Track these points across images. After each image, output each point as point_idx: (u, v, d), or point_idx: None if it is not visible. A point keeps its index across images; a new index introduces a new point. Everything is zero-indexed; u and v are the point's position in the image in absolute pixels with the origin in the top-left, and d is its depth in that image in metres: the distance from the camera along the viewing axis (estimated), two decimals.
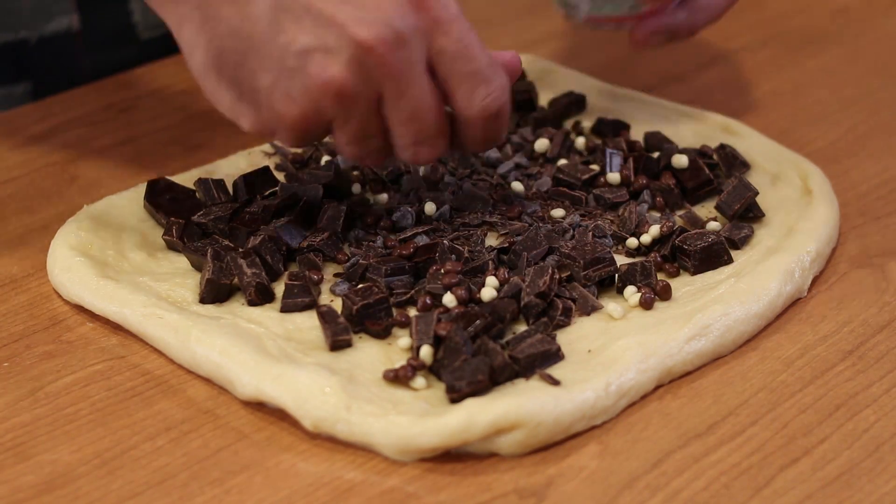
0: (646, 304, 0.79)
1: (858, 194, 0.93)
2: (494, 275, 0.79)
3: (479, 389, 0.71)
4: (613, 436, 0.72)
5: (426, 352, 0.74)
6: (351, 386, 0.72)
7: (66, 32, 1.07)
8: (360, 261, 0.81)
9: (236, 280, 0.80)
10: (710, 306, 0.78)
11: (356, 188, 0.88)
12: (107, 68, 1.09)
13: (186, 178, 0.89)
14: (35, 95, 1.07)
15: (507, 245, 0.82)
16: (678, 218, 0.87)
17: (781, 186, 0.90)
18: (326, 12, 0.74)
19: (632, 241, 0.84)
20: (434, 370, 0.74)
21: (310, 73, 0.74)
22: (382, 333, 0.77)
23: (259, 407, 0.74)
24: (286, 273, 0.80)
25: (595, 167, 0.90)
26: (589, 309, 0.79)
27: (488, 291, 0.77)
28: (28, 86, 1.08)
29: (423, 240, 0.83)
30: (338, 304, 0.79)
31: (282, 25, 0.74)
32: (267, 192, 0.86)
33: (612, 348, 0.75)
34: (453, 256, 0.81)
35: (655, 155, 0.90)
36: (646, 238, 0.84)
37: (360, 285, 0.79)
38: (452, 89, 0.77)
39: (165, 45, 1.10)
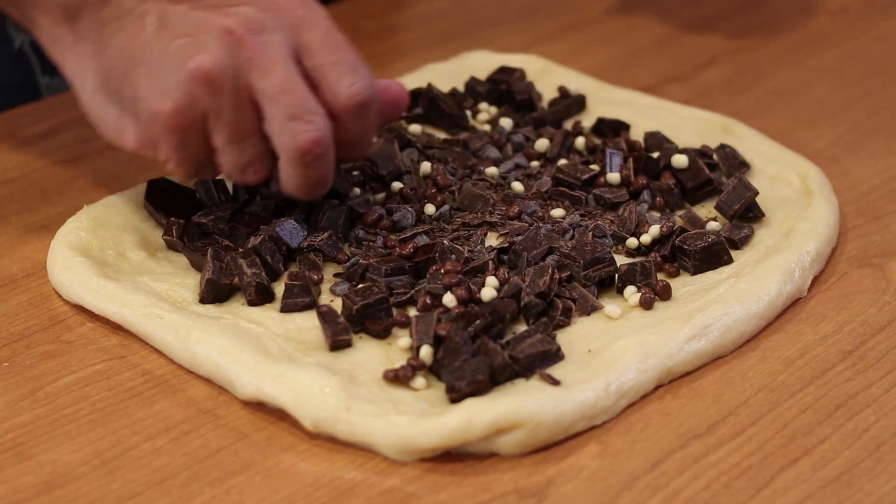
0: (646, 304, 0.79)
1: (858, 194, 0.93)
2: (494, 275, 0.79)
3: (479, 389, 0.71)
4: (613, 436, 0.72)
5: (426, 352, 0.74)
6: (351, 386, 0.72)
7: None
8: (360, 261, 0.81)
9: (236, 280, 0.80)
10: (710, 306, 0.78)
11: (356, 188, 0.88)
12: None
13: None
14: None
15: (507, 245, 0.82)
16: (678, 218, 0.87)
17: (781, 186, 0.90)
18: (200, 14, 0.78)
19: (632, 241, 0.84)
20: (434, 370, 0.74)
21: (180, 64, 0.76)
22: (382, 333, 0.77)
23: (259, 407, 0.74)
24: (286, 273, 0.80)
25: (595, 167, 0.90)
26: (589, 309, 0.79)
27: (488, 291, 0.77)
28: None
29: (423, 240, 0.83)
30: (338, 304, 0.79)
31: (162, 34, 0.78)
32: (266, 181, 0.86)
33: (612, 348, 0.75)
34: (453, 256, 0.81)
35: (655, 155, 0.90)
36: (646, 238, 0.84)
37: (360, 285, 0.79)
38: (319, 79, 0.79)
39: None
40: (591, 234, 0.84)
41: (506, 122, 0.97)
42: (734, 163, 0.91)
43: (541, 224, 0.85)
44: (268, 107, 0.77)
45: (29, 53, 1.06)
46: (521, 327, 0.77)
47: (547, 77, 1.04)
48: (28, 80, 1.07)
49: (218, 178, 0.85)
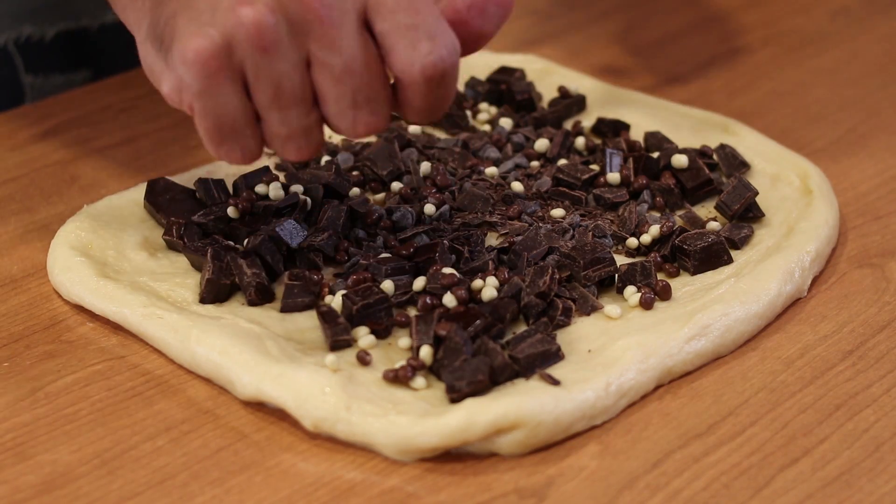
0: (646, 304, 0.79)
1: (858, 194, 0.93)
2: (494, 275, 0.79)
3: (479, 389, 0.71)
4: (613, 436, 0.72)
5: (426, 352, 0.74)
6: (351, 386, 0.72)
7: None
8: (360, 261, 0.81)
9: (236, 280, 0.80)
10: (710, 306, 0.78)
11: (356, 188, 0.88)
12: None
13: (186, 178, 0.89)
14: (95, 82, 1.08)
15: (507, 245, 0.82)
16: (678, 218, 0.87)
17: (781, 186, 0.90)
18: None
19: (632, 241, 0.84)
20: (434, 370, 0.74)
21: (229, 9, 0.70)
22: (382, 333, 0.77)
23: (259, 407, 0.74)
24: (286, 273, 0.80)
25: (595, 167, 0.90)
26: (589, 309, 0.79)
27: (488, 291, 0.77)
28: (88, 73, 1.09)
29: (423, 240, 0.83)
30: (338, 304, 0.78)
31: None
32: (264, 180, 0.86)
33: (612, 348, 0.75)
34: (453, 256, 0.81)
35: (655, 155, 0.90)
36: (646, 238, 0.84)
37: (360, 285, 0.79)
38: (391, 45, 0.70)
39: None
40: (591, 234, 0.84)
41: (506, 122, 0.97)
42: (734, 163, 0.91)
43: (541, 224, 0.85)
44: (329, 87, 0.70)
45: (13, 52, 1.06)
46: (521, 327, 0.77)
47: (547, 77, 1.04)
48: (12, 78, 1.07)
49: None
